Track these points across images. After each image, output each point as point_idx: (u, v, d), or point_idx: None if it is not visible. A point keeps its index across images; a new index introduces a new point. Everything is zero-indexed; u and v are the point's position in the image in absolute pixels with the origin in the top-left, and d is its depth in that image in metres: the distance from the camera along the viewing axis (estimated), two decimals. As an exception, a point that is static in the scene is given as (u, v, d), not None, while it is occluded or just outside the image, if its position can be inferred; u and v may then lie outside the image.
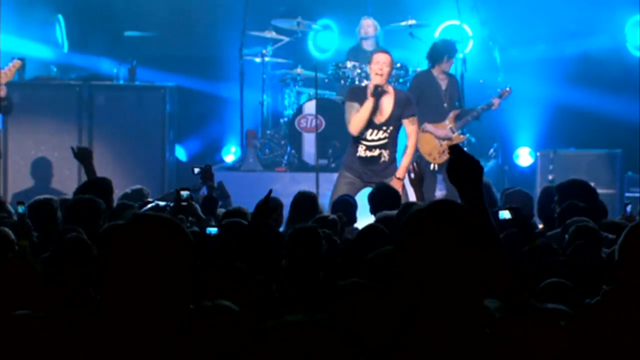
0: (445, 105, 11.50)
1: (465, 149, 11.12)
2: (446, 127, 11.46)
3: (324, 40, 14.34)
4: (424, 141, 11.35)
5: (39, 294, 4.07)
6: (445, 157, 11.24)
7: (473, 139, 12.40)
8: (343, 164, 10.78)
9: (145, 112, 12.97)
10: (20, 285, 3.98)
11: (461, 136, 11.59)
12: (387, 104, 10.35)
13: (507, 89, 11.67)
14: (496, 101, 11.62)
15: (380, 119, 10.33)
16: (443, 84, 11.50)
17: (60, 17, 14.12)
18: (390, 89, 10.45)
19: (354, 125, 10.36)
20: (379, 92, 10.27)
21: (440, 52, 11.45)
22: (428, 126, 11.38)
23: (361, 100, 10.35)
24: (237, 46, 13.18)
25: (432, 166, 11.36)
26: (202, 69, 14.07)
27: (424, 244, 3.07)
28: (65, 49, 14.17)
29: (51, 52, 13.99)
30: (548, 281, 5.22)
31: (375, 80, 10.29)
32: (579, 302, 4.90)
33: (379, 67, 10.25)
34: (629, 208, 8.18)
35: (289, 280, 5.45)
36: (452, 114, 11.50)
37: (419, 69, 12.26)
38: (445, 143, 11.36)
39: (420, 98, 11.30)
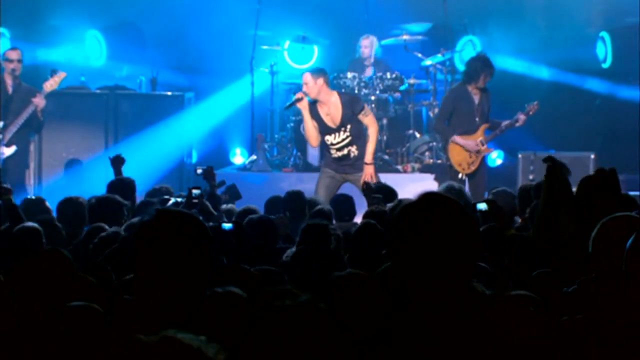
0: (476, 119, 11.25)
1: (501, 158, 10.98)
2: (476, 140, 11.23)
3: (300, 53, 14.19)
4: (454, 152, 11.26)
5: (72, 284, 4.02)
6: (474, 167, 11.24)
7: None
8: (323, 163, 10.92)
9: (164, 118, 12.97)
10: (54, 276, 3.91)
11: (490, 149, 11.45)
12: (335, 109, 10.43)
13: (535, 104, 11.29)
14: (522, 117, 11.26)
15: (335, 123, 10.40)
16: (476, 98, 11.22)
17: (97, 32, 14.11)
18: (334, 95, 10.52)
19: (307, 137, 10.72)
20: (293, 103, 10.55)
21: (478, 72, 11.11)
22: (457, 139, 11.19)
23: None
24: (249, 59, 13.18)
25: (460, 175, 11.27)
26: (216, 79, 14.05)
27: (414, 232, 3.04)
28: (103, 61, 14.16)
29: (83, 63, 13.98)
30: (538, 271, 5.19)
31: (299, 96, 10.48)
32: (559, 289, 4.87)
33: (304, 87, 10.43)
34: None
35: (296, 272, 5.42)
36: (482, 128, 11.28)
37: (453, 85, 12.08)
38: (474, 155, 11.26)
39: (454, 111, 11.22)
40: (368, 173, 10.34)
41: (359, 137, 10.50)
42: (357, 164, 10.47)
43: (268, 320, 2.41)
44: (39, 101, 11.22)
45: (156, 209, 3.58)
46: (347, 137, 10.43)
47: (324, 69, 10.75)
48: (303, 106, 10.38)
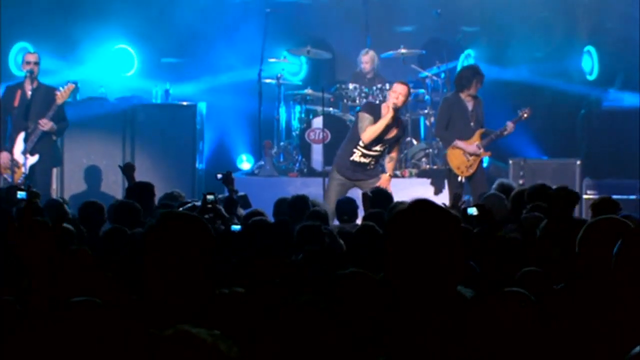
0: (472, 124, 11.23)
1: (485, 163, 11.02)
2: (474, 144, 11.23)
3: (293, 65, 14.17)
4: (453, 156, 11.26)
5: (95, 282, 4.01)
6: (472, 170, 11.23)
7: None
8: (335, 165, 10.82)
9: (178, 127, 12.97)
10: (80, 274, 3.89)
11: (488, 152, 11.44)
12: (394, 126, 10.48)
13: (527, 109, 11.26)
14: (511, 125, 11.24)
15: (388, 136, 10.44)
16: (470, 105, 11.21)
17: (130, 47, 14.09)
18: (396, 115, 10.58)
19: (368, 135, 10.48)
20: (375, 108, 10.52)
21: (469, 79, 11.14)
22: (459, 143, 11.19)
23: (375, 115, 10.48)
24: (257, 71, 13.18)
25: (459, 178, 11.26)
26: (226, 90, 14.04)
27: (405, 236, 3.04)
28: (134, 73, 14.15)
29: (102, 76, 14.00)
30: (525, 270, 5.18)
31: (392, 103, 10.42)
32: (548, 287, 4.85)
33: (396, 96, 10.36)
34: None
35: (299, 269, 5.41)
36: (478, 133, 11.25)
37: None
38: (472, 158, 11.23)
39: (450, 119, 11.22)
40: (385, 181, 10.44)
41: (384, 157, 10.70)
42: (371, 172, 10.61)
43: (273, 318, 2.40)
44: (45, 124, 11.20)
45: (161, 212, 3.57)
46: (381, 151, 10.60)
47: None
48: (389, 113, 10.41)
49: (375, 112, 10.50)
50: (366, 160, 10.52)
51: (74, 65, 13.63)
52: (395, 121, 10.52)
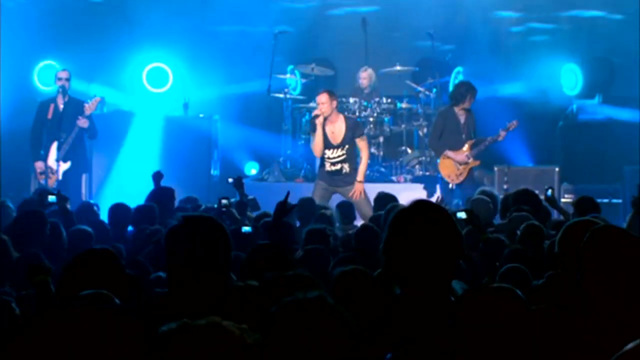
0: (463, 136, 11.21)
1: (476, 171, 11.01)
2: (464, 154, 11.19)
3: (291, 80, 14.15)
4: (444, 166, 11.26)
5: (119, 279, 3.95)
6: (462, 178, 11.23)
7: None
8: (318, 175, 10.91)
9: (195, 137, 12.96)
10: (104, 271, 3.82)
11: (477, 161, 11.40)
12: (340, 129, 10.48)
13: (514, 122, 11.19)
14: (502, 133, 11.15)
15: (336, 141, 10.44)
16: (462, 118, 11.19)
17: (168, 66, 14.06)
18: (340, 117, 10.56)
19: (314, 151, 10.67)
20: (314, 125, 10.48)
21: (463, 94, 11.11)
22: (449, 153, 11.17)
23: (311, 131, 10.62)
24: (266, 86, 13.18)
25: (450, 185, 11.25)
26: (238, 104, 14.04)
27: (408, 232, 3.04)
28: (167, 89, 14.10)
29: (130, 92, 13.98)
30: (508, 266, 5.18)
31: (314, 113, 10.52)
32: (528, 283, 4.85)
33: (319, 107, 10.42)
34: (549, 192, 8.14)
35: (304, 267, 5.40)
36: (468, 143, 11.22)
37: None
38: (462, 167, 11.20)
39: (443, 130, 11.19)
40: (358, 189, 10.41)
41: (352, 157, 10.58)
42: (347, 179, 10.50)
43: (283, 312, 2.39)
44: (83, 122, 11.28)
45: (182, 215, 3.56)
46: (343, 154, 10.49)
47: (335, 92, 10.77)
48: (319, 122, 10.40)
49: (314, 128, 10.55)
50: (337, 167, 10.54)
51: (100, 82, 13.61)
52: (340, 125, 10.49)
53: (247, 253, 4.38)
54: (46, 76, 13.42)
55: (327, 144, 10.46)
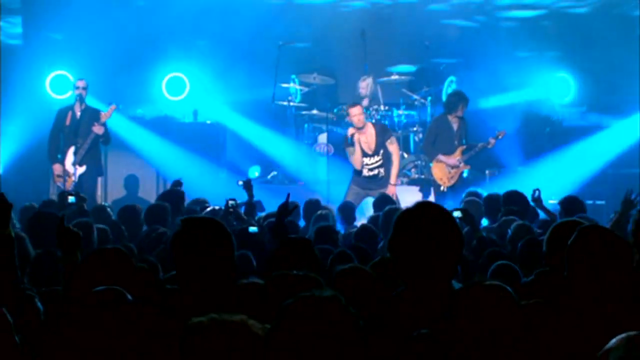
0: (455, 142, 11.29)
1: (466, 174, 11.04)
2: (455, 159, 11.24)
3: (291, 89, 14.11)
4: (437, 169, 11.32)
5: (131, 277, 3.93)
6: (453, 181, 11.31)
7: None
8: (352, 179, 10.85)
9: (205, 142, 12.96)
10: (116, 270, 3.81)
11: (467, 166, 11.42)
12: (371, 137, 10.47)
13: (503, 131, 11.31)
14: (492, 141, 11.26)
15: (371, 148, 10.43)
16: (455, 126, 11.27)
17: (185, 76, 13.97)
18: (368, 124, 10.55)
19: (355, 164, 10.61)
20: (352, 141, 10.46)
21: (456, 103, 11.20)
22: (441, 157, 11.23)
23: (348, 146, 10.56)
24: (271, 95, 13.17)
25: (442, 187, 11.29)
26: (245, 111, 14.02)
27: (410, 232, 3.03)
28: (184, 97, 14.01)
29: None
30: (498, 263, 5.16)
31: (354, 128, 10.45)
32: (518, 280, 4.83)
33: (356, 119, 10.23)
34: (536, 193, 8.15)
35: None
36: (460, 149, 11.28)
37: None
38: (453, 171, 11.26)
39: (437, 137, 11.23)
40: (391, 192, 10.40)
41: (387, 161, 10.56)
42: (381, 182, 10.54)
43: (297, 306, 2.35)
44: (98, 129, 11.28)
45: (180, 218, 3.56)
46: (379, 160, 10.53)
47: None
48: (357, 138, 10.37)
49: (348, 142, 10.52)
50: (374, 173, 10.55)
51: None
52: (370, 132, 10.46)
53: (277, 246, 4.25)
54: (59, 86, 13.20)
55: (363, 153, 10.48)
